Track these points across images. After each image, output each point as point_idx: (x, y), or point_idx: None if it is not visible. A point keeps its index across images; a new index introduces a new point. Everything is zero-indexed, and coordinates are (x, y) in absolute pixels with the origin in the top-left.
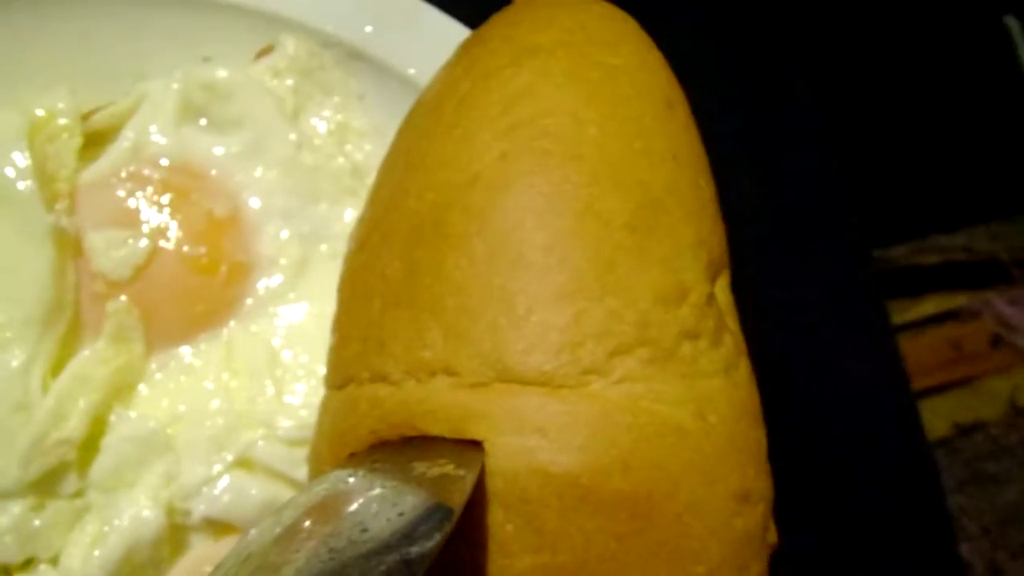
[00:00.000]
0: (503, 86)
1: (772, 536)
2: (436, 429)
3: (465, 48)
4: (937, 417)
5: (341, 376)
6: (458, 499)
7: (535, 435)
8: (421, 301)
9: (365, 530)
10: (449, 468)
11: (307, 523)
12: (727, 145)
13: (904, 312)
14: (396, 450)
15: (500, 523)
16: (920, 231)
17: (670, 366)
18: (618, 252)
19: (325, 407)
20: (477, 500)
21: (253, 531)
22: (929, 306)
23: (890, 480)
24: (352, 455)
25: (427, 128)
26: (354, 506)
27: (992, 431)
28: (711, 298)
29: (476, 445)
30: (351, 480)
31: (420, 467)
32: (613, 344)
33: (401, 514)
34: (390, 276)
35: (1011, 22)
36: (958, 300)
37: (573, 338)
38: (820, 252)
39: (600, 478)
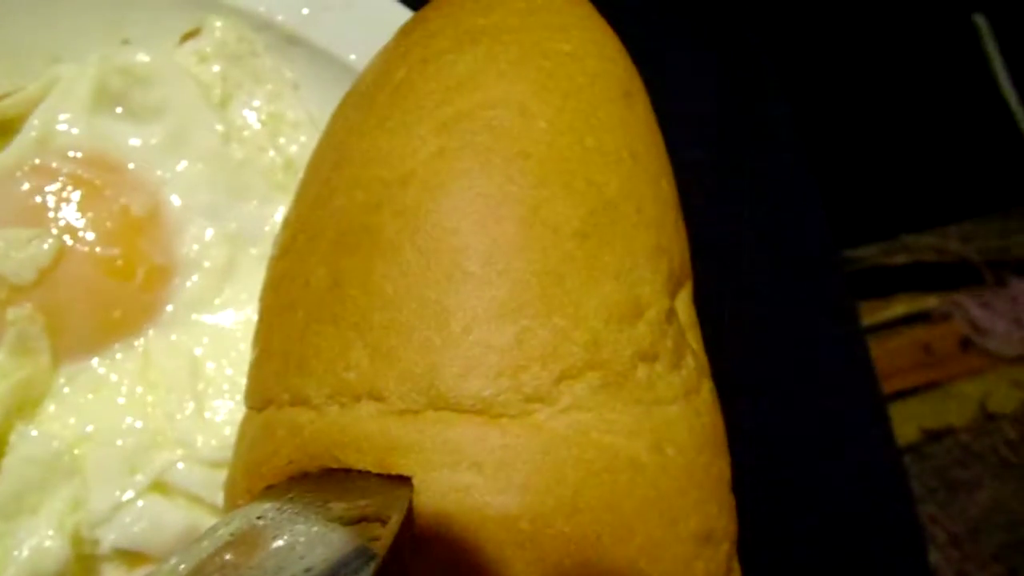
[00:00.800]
0: (442, 73)
1: None
2: (360, 462)
3: (404, 31)
4: (905, 422)
5: (260, 397)
6: (382, 544)
7: (470, 471)
8: (346, 315)
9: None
10: (371, 510)
11: (227, 557)
12: (691, 143)
13: (873, 313)
14: (315, 484)
15: (430, 570)
16: (889, 231)
17: (623, 392)
18: (567, 263)
19: (243, 430)
20: (403, 544)
21: (164, 565)
22: (899, 307)
23: (861, 494)
24: (269, 487)
25: (359, 119)
26: (268, 548)
27: (962, 437)
28: (671, 314)
29: (404, 481)
30: (264, 519)
31: (339, 507)
32: (560, 368)
33: (313, 565)
34: (314, 285)
35: (980, 20)
36: (928, 302)
37: (515, 361)
38: (789, 256)
39: (543, 521)
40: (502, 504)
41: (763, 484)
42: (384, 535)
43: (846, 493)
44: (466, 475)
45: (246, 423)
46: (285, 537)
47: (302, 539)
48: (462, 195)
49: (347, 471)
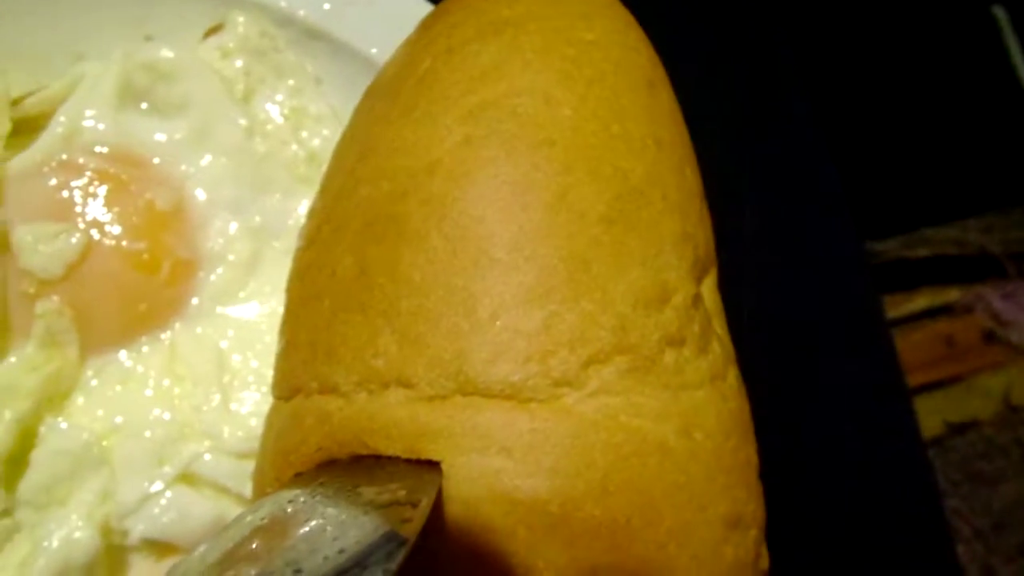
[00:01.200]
0: (467, 63)
1: (764, 562)
2: (389, 448)
3: (427, 22)
4: (929, 415)
5: (288, 386)
6: (412, 528)
7: (500, 455)
8: (374, 303)
9: (310, 558)
10: (402, 493)
11: (255, 544)
12: (713, 132)
13: (895, 307)
14: (344, 471)
15: (459, 555)
16: (910, 224)
17: (651, 377)
18: (594, 248)
19: (271, 420)
20: (434, 529)
21: (193, 554)
22: (921, 301)
23: (887, 488)
24: (298, 475)
25: (383, 110)
26: (298, 533)
27: (985, 430)
28: (697, 299)
29: (433, 466)
30: (295, 504)
31: (369, 492)
32: (588, 352)
33: (346, 547)
34: (341, 275)
35: (999, 12)
36: (950, 294)
37: (543, 346)
38: (813, 246)
39: (573, 505)
40: (532, 488)
41: (788, 475)
42: (415, 518)
43: (872, 487)
44: (496, 459)
45: (274, 413)
46: (316, 521)
47: (333, 522)
48: (488, 183)
49: (376, 457)
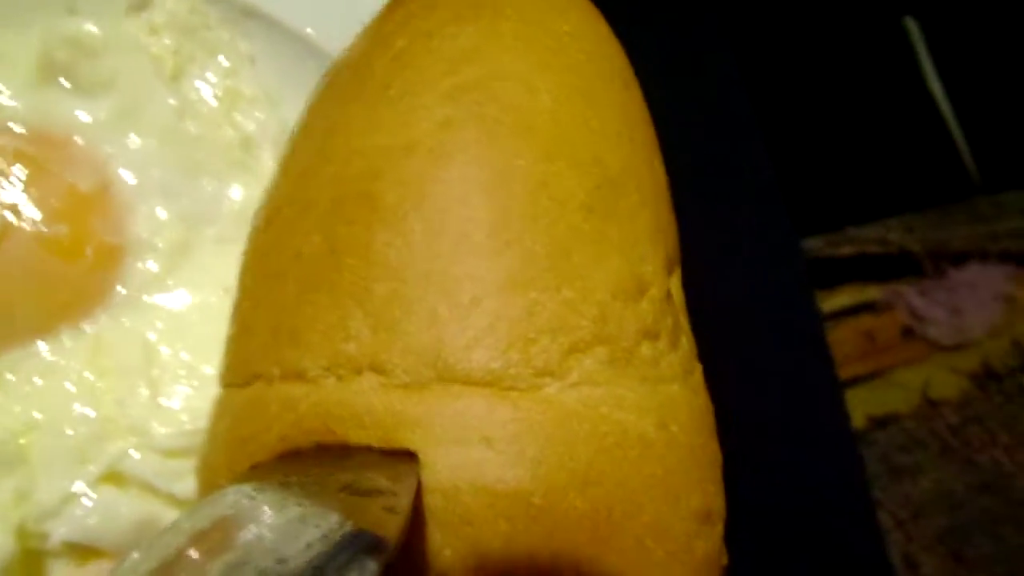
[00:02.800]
0: (445, 45)
1: (725, 558)
2: (361, 437)
3: (397, 2)
4: (851, 410)
5: (244, 372)
6: (394, 524)
7: (481, 446)
8: (345, 284)
9: (278, 561)
10: (383, 481)
11: (192, 553)
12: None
13: (819, 304)
14: (312, 461)
15: (437, 548)
16: (834, 223)
17: (630, 369)
18: (574, 237)
19: (222, 409)
20: (411, 521)
21: (125, 562)
22: (844, 298)
23: (819, 477)
24: (255, 466)
25: (352, 88)
26: (253, 532)
27: (905, 424)
28: (668, 294)
29: (410, 456)
30: (251, 498)
31: (344, 478)
32: (570, 341)
33: (311, 543)
34: (307, 254)
35: (911, 24)
36: (872, 292)
37: (525, 333)
38: (750, 244)
39: (556, 496)
40: (514, 478)
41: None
42: (395, 515)
43: (806, 478)
44: (476, 450)
45: (224, 401)
46: (278, 516)
47: (297, 520)
48: (469, 165)
49: (345, 447)
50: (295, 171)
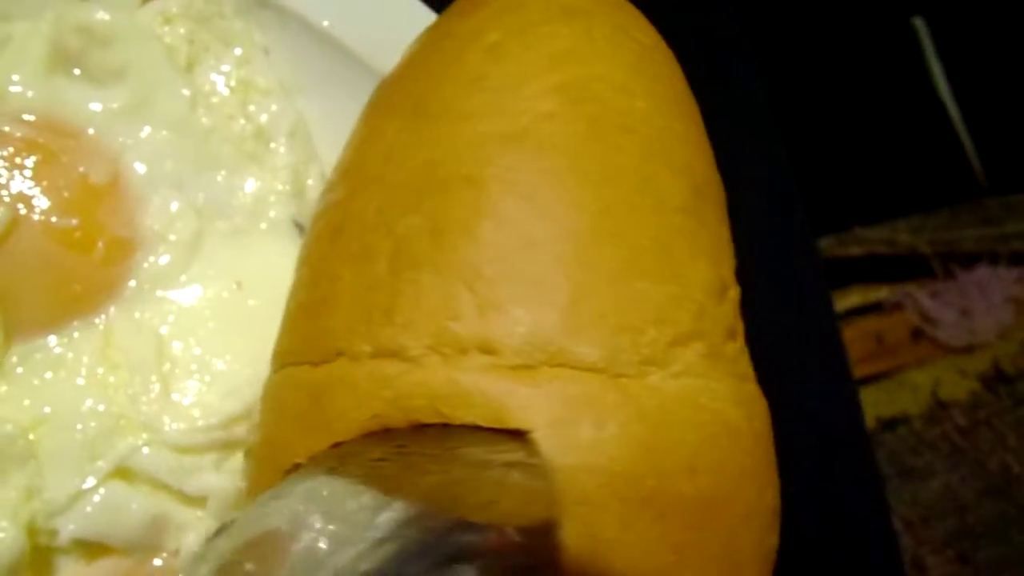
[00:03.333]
0: (542, 43)
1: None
2: (468, 415)
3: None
4: None
5: (320, 350)
6: (513, 502)
7: (594, 427)
8: (451, 265)
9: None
10: (520, 453)
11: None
12: None
13: None
14: (408, 439)
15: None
16: (843, 223)
17: (720, 364)
18: (673, 235)
19: (287, 388)
20: (527, 500)
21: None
22: (853, 298)
23: (832, 477)
24: (338, 445)
25: (442, 73)
26: (294, 549)
27: (915, 425)
28: (738, 299)
29: (519, 434)
30: (283, 513)
31: (448, 456)
32: (672, 333)
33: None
34: (404, 234)
35: (919, 23)
36: (880, 292)
37: (633, 322)
38: (767, 243)
39: (667, 480)
40: (629, 461)
41: None
42: (513, 487)
43: (818, 477)
44: (589, 431)
45: (289, 381)
46: (304, 537)
47: (328, 537)
48: (575, 158)
49: (446, 426)
50: (376, 151)
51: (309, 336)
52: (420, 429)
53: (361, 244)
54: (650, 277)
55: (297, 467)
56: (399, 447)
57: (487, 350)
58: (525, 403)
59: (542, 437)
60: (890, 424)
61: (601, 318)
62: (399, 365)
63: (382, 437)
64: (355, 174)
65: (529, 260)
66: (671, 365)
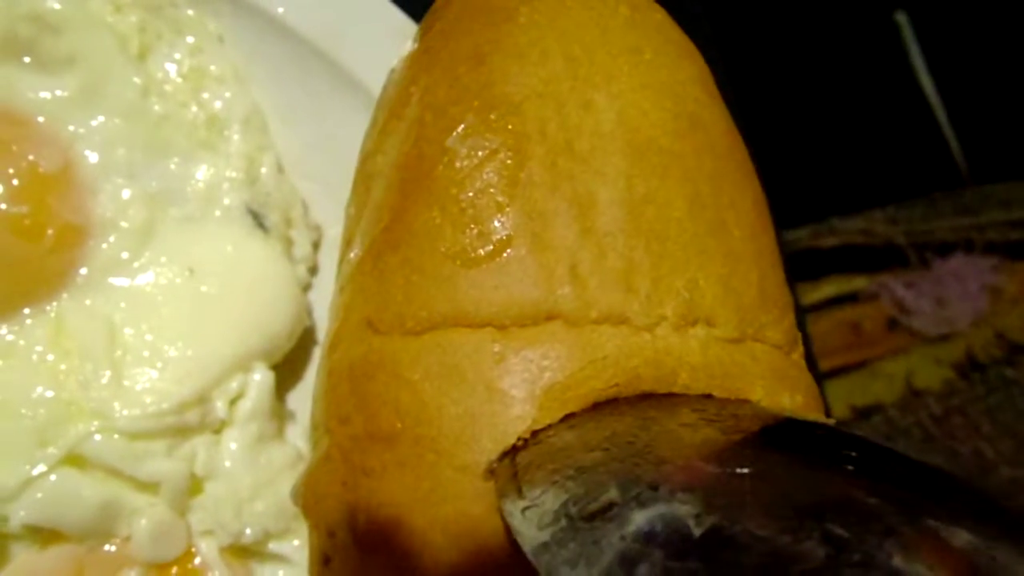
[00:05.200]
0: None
1: None
2: (696, 386)
3: None
4: (835, 400)
5: (534, 310)
6: None
7: (795, 394)
8: (679, 239)
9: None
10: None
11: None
12: None
13: (804, 295)
14: (649, 408)
15: None
16: (820, 214)
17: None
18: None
19: (465, 354)
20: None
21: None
22: (829, 289)
23: None
24: (571, 416)
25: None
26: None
27: (889, 413)
28: None
29: (745, 403)
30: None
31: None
32: (790, 319)
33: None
34: (621, 200)
35: (901, 18)
36: (857, 283)
37: (784, 305)
38: None
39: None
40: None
41: None
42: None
43: None
44: (790, 397)
45: (453, 346)
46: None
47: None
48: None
49: (670, 396)
50: (548, 120)
51: (508, 296)
52: (648, 398)
53: (555, 205)
54: (779, 279)
55: (523, 443)
56: (641, 415)
57: (710, 323)
58: (740, 373)
59: (759, 404)
60: (864, 413)
61: (774, 302)
62: (634, 332)
63: (615, 408)
64: (549, 135)
65: (753, 244)
66: (796, 348)
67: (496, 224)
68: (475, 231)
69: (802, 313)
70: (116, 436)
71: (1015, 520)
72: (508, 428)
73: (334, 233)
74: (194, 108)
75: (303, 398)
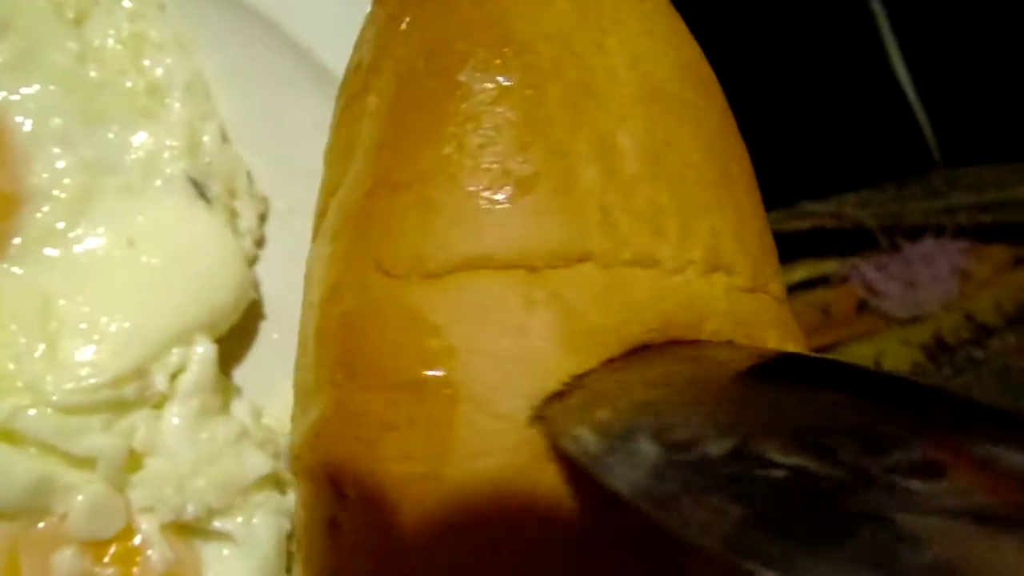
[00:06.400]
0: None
1: None
2: (725, 332)
3: None
4: None
5: (565, 250)
6: None
7: (799, 343)
8: (722, 193)
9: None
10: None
11: None
12: None
13: None
14: (683, 353)
15: None
16: (791, 198)
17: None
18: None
19: (495, 294)
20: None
21: None
22: (800, 272)
23: None
24: (612, 361)
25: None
26: None
27: None
28: None
29: (769, 352)
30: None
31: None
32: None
33: None
34: (628, 143)
35: (876, 7)
36: (828, 266)
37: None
38: None
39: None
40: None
41: None
42: None
43: None
44: (796, 345)
45: (484, 286)
46: None
47: None
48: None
49: (697, 343)
50: (589, 69)
51: (528, 236)
52: (677, 344)
53: (588, 149)
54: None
55: (568, 389)
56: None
57: (728, 271)
58: (760, 320)
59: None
60: None
61: (772, 256)
62: (668, 277)
63: (647, 355)
64: (628, 97)
65: (736, 197)
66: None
67: (520, 161)
68: (498, 168)
69: None
70: (50, 410)
71: None
72: (548, 373)
73: (281, 205)
74: (133, 75)
75: (250, 373)
